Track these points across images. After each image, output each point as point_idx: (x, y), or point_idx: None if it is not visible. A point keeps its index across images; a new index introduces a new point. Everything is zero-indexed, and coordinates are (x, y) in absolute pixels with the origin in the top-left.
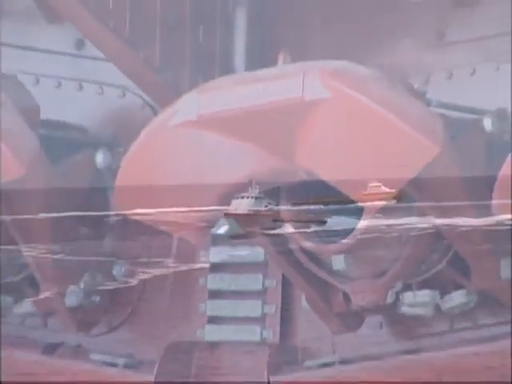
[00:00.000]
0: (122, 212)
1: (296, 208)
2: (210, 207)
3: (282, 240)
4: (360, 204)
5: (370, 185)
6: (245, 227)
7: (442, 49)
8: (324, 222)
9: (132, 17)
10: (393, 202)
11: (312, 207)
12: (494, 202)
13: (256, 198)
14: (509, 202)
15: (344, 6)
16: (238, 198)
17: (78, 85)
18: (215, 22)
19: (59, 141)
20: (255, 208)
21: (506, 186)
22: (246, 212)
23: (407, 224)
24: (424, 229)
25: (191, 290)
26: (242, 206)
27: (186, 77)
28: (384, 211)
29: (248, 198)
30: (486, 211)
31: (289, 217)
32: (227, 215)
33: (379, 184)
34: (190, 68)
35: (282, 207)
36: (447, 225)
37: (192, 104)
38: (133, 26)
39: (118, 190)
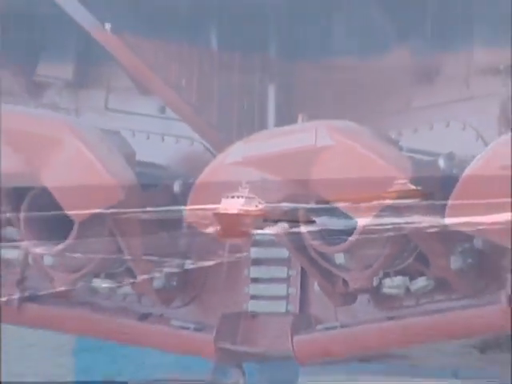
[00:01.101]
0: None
1: (288, 207)
2: (202, 206)
3: (297, 238)
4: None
5: (396, 182)
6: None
7: (410, 112)
8: (313, 222)
9: (198, 90)
10: (417, 201)
11: (303, 206)
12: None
13: (246, 197)
14: (470, 202)
15: (338, 87)
16: (228, 197)
17: (161, 137)
18: (254, 95)
19: (149, 176)
20: (246, 208)
21: (470, 186)
22: (236, 212)
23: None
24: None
25: (238, 277)
26: (232, 205)
27: (234, 131)
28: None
29: (238, 197)
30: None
31: (279, 216)
32: (217, 215)
33: (406, 181)
34: (237, 125)
35: (273, 205)
36: (413, 226)
37: (239, 150)
38: (198, 95)
39: (190, 206)
